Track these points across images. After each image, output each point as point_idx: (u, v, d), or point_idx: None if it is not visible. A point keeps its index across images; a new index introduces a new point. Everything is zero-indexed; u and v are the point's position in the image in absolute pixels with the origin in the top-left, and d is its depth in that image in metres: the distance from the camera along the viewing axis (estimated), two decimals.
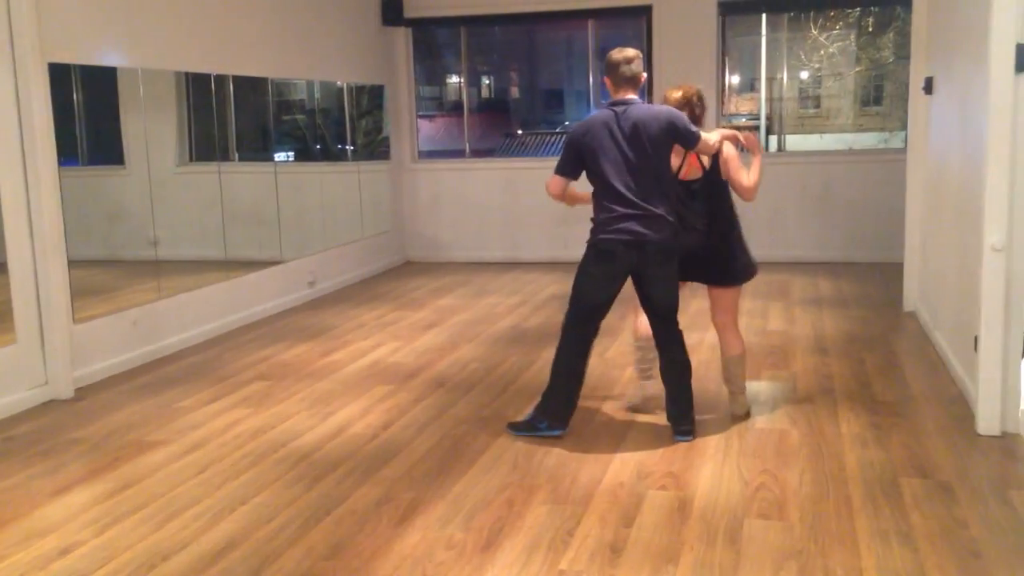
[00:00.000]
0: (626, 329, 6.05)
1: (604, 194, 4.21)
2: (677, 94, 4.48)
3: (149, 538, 3.44)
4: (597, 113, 4.28)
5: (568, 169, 4.30)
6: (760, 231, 9.22)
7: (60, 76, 5.43)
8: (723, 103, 9.73)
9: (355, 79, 9.17)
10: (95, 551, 3.34)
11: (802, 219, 9.18)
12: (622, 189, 4.14)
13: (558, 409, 4.38)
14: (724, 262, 4.48)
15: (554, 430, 4.37)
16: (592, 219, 4.29)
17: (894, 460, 3.98)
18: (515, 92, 15.11)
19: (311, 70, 8.37)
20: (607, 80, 4.30)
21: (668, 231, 4.19)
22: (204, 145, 7.21)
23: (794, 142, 13.46)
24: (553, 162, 4.38)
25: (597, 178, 4.22)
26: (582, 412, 4.68)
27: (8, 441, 4.60)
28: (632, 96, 4.25)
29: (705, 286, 4.59)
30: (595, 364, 5.55)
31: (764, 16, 10.53)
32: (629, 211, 4.13)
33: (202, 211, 7.02)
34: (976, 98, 4.55)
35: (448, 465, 4.08)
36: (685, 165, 4.37)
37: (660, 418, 4.50)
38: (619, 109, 4.19)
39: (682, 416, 4.33)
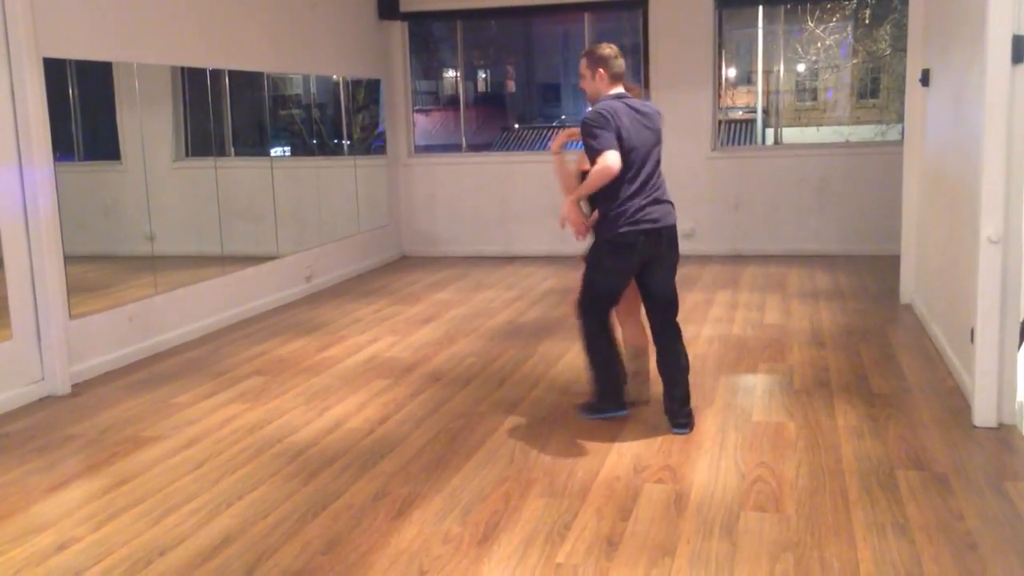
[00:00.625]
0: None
1: (623, 184, 4.16)
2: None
3: (146, 533, 3.43)
4: (611, 103, 4.20)
5: (615, 141, 4.09)
6: (756, 224, 9.27)
7: (55, 71, 5.42)
8: (720, 96, 9.72)
9: (351, 73, 9.16)
10: (92, 547, 3.34)
11: (798, 212, 9.18)
12: (643, 178, 4.19)
13: (614, 392, 4.50)
14: None
15: (619, 411, 4.49)
16: (603, 214, 4.25)
17: (890, 452, 3.98)
18: (511, 86, 15.10)
19: (307, 65, 8.35)
20: (601, 72, 4.25)
21: (675, 216, 4.32)
22: (200, 140, 7.19)
23: (791, 135, 13.47)
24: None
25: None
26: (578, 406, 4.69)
27: (4, 437, 4.59)
28: (623, 89, 4.31)
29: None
30: None
31: (761, 9, 10.52)
32: (646, 201, 4.19)
33: (198, 206, 7.01)
34: (972, 90, 4.55)
35: (445, 459, 4.08)
36: None
37: (657, 412, 4.51)
38: (628, 101, 4.24)
39: (679, 409, 4.34)
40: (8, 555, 3.31)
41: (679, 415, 4.33)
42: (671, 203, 4.30)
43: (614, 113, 4.13)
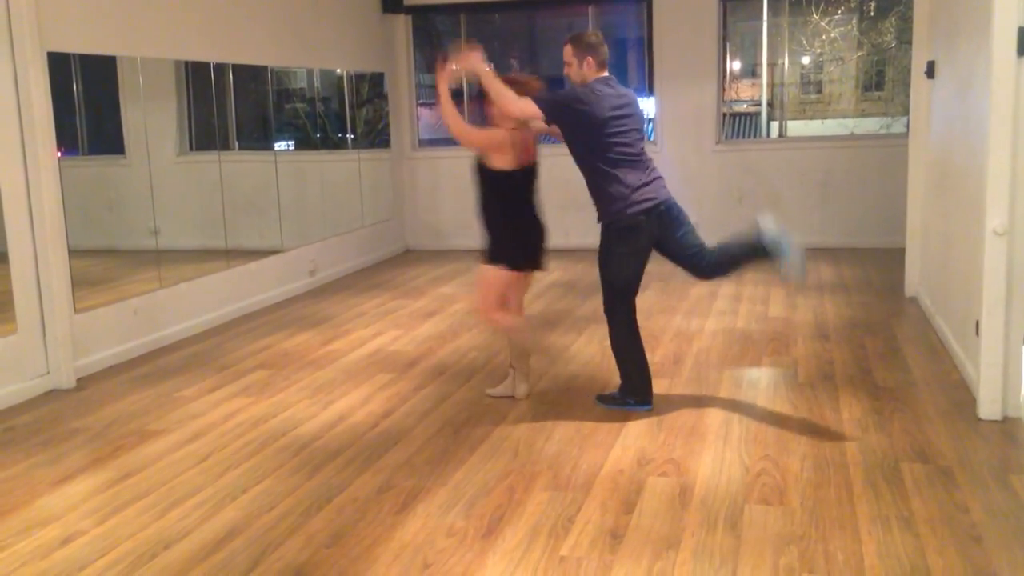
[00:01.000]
0: None
1: (614, 168, 4.22)
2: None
3: (150, 527, 3.44)
4: (599, 87, 4.26)
5: (554, 112, 4.26)
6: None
7: (59, 65, 5.42)
8: (724, 89, 9.69)
9: (355, 67, 9.15)
10: (96, 540, 3.35)
11: (803, 205, 9.16)
12: (632, 160, 4.25)
13: (641, 386, 4.50)
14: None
15: (643, 405, 4.48)
16: (598, 200, 4.31)
17: (895, 445, 3.98)
18: None
19: (311, 59, 8.35)
20: (589, 60, 4.30)
21: (668, 190, 4.38)
22: (204, 134, 7.20)
23: (795, 128, 13.42)
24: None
25: (610, 150, 4.23)
26: (582, 399, 4.69)
27: (9, 431, 4.60)
28: (607, 73, 4.37)
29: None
30: (595, 352, 5.55)
31: (765, 1, 10.47)
32: (640, 182, 4.24)
33: (203, 200, 7.02)
34: (978, 82, 4.53)
35: (449, 453, 4.08)
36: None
37: (660, 405, 4.51)
38: (616, 86, 4.33)
39: (761, 249, 4.19)
40: (13, 548, 3.31)
41: (768, 249, 4.16)
42: (661, 177, 4.36)
43: (600, 100, 4.20)
